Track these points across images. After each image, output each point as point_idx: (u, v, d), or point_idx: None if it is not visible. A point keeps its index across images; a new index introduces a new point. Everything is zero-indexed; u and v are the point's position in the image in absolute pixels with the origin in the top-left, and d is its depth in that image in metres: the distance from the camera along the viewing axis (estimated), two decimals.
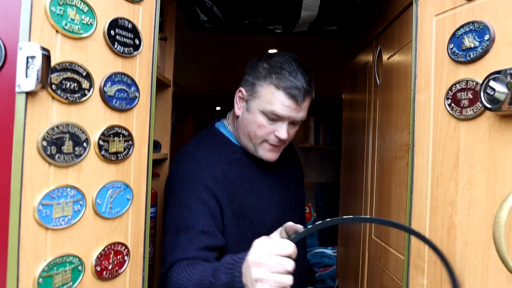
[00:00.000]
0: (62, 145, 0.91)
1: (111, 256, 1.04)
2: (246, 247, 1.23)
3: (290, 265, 1.04)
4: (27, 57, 0.82)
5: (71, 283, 0.95)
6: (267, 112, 1.42)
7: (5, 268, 0.84)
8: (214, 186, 1.42)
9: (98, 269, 1.01)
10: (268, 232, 1.43)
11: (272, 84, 1.41)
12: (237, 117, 1.55)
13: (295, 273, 1.18)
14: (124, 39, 1.05)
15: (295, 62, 1.44)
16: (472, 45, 1.00)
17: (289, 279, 1.05)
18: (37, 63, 0.82)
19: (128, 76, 1.06)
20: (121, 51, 1.04)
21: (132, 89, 1.08)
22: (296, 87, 1.39)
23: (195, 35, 2.44)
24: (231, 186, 1.46)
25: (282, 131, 1.43)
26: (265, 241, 1.09)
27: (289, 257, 1.06)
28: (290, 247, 1.06)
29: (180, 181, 1.43)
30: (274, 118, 1.43)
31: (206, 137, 1.61)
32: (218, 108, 7.03)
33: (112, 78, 1.02)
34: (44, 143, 0.87)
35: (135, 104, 1.09)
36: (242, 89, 1.53)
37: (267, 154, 1.50)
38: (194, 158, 1.47)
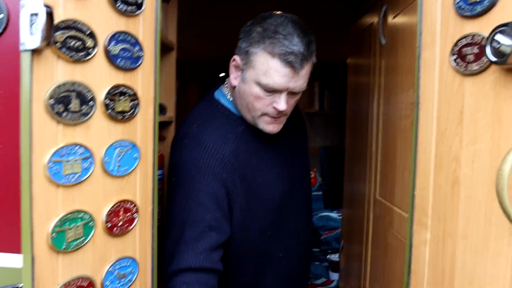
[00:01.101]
0: (69, 103, 0.92)
1: (121, 213, 1.07)
2: (256, 227, 1.39)
3: None
4: (31, 14, 0.82)
5: (83, 237, 0.98)
6: (264, 85, 1.30)
7: (19, 224, 0.87)
8: (223, 172, 1.36)
9: (109, 225, 1.04)
10: (277, 207, 1.47)
11: (265, 51, 1.28)
12: (234, 87, 1.44)
13: (299, 242, 1.24)
14: None
15: (291, 23, 1.28)
16: None
17: None
18: (41, 20, 0.82)
19: (132, 35, 1.06)
20: (124, 9, 1.03)
21: (136, 48, 1.08)
22: (292, 52, 1.25)
23: None
24: (240, 166, 1.40)
25: (281, 103, 1.32)
26: None
27: None
28: None
29: (187, 170, 1.37)
30: (271, 90, 1.32)
31: (207, 112, 1.50)
32: (222, 74, 6.99)
33: (115, 37, 1.02)
34: (51, 101, 0.88)
35: (140, 64, 1.09)
36: (236, 57, 1.40)
37: (268, 126, 1.40)
38: (200, 143, 1.38)
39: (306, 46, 1.27)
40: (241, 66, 1.37)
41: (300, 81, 1.32)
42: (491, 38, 0.92)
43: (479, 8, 0.99)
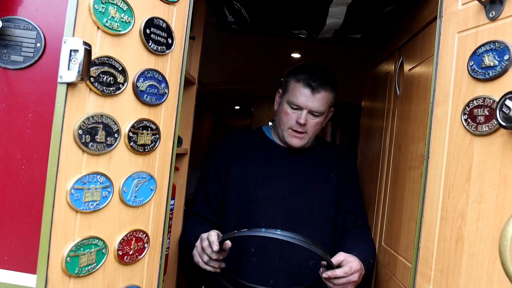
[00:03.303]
0: (96, 134, 0.97)
1: (133, 242, 1.10)
2: (238, 209, 1.80)
3: (208, 251, 1.52)
4: (70, 51, 0.89)
5: (95, 264, 1.02)
6: (291, 102, 1.78)
7: (37, 245, 0.91)
8: (226, 156, 1.87)
9: (120, 253, 1.07)
10: (260, 205, 1.78)
11: (295, 78, 1.80)
12: (275, 113, 1.93)
13: (285, 256, 1.72)
14: (158, 37, 1.11)
15: (317, 66, 1.83)
16: (492, 64, 1.04)
17: (205, 258, 1.55)
18: (79, 56, 0.88)
19: (160, 73, 1.12)
20: (155, 49, 1.10)
21: (163, 85, 1.14)
22: (311, 78, 1.76)
23: (220, 34, 2.49)
24: (240, 158, 1.86)
25: (302, 118, 1.76)
26: (203, 239, 1.56)
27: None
28: (207, 243, 1.52)
29: (210, 149, 2.00)
30: (295, 107, 1.77)
31: (249, 130, 2.12)
32: (237, 107, 7.08)
33: (144, 74, 1.08)
34: (80, 131, 0.93)
35: (164, 100, 1.15)
36: (280, 90, 1.92)
37: (292, 139, 1.82)
38: (225, 136, 2.04)
39: (323, 78, 1.78)
40: (281, 94, 1.88)
41: (316, 103, 1.77)
42: (501, 103, 0.96)
43: (491, 73, 1.04)
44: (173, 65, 1.18)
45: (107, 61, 0.98)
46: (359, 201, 1.98)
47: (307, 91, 1.75)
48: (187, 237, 1.77)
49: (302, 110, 1.77)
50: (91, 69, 0.95)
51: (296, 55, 3.45)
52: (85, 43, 0.89)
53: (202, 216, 1.85)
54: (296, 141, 1.83)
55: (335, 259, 1.57)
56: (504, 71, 1.01)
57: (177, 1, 1.16)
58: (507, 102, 0.95)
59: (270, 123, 2.01)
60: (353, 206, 1.94)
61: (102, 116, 0.98)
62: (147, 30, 1.07)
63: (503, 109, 0.95)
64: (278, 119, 1.87)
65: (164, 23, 1.13)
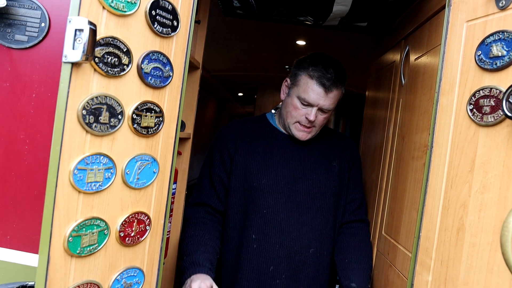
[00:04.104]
0: (100, 115, 0.97)
1: (134, 224, 1.11)
2: (241, 196, 1.81)
3: None
4: (75, 30, 0.88)
5: (96, 244, 1.02)
6: (302, 98, 1.74)
7: (39, 225, 0.91)
8: (230, 143, 1.87)
9: (122, 234, 1.08)
10: (262, 192, 1.78)
11: (308, 74, 1.74)
12: (278, 108, 1.89)
13: (285, 241, 1.74)
14: (164, 19, 1.10)
15: (330, 60, 1.77)
16: (500, 54, 1.03)
17: None
18: (84, 36, 0.87)
19: (164, 56, 1.12)
20: (160, 31, 1.09)
21: (167, 68, 1.13)
22: (325, 77, 1.70)
23: (225, 19, 2.48)
24: (244, 145, 1.86)
25: (312, 115, 1.75)
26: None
27: None
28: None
29: (214, 138, 1.96)
30: (306, 104, 1.75)
31: (252, 117, 2.08)
32: (240, 94, 7.07)
33: (149, 56, 1.07)
34: (84, 112, 0.93)
35: (168, 83, 1.14)
36: (287, 79, 1.87)
37: (299, 133, 1.82)
38: (229, 123, 2.00)
39: (336, 76, 1.73)
40: (289, 85, 1.84)
41: (328, 101, 1.75)
42: (508, 94, 0.95)
43: (499, 63, 1.03)
44: (178, 48, 1.17)
45: (112, 42, 0.98)
46: (360, 192, 1.98)
47: (320, 90, 1.72)
48: (187, 249, 1.70)
49: (312, 107, 1.75)
50: (96, 49, 0.94)
51: (301, 43, 3.43)
52: (90, 23, 0.88)
53: (209, 205, 1.83)
54: (303, 135, 1.82)
55: None
56: None
57: None
58: None
59: (273, 111, 1.98)
60: (353, 197, 1.95)
61: (106, 97, 0.98)
62: (153, 11, 1.06)
63: (510, 100, 0.95)
64: (285, 111, 1.84)
65: (170, 5, 1.11)
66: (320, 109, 1.77)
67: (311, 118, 1.74)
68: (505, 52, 1.01)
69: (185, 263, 1.63)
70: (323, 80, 1.70)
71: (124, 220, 1.08)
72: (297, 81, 1.78)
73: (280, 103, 1.96)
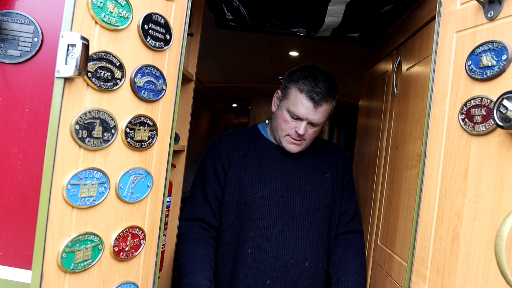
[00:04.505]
0: (93, 130, 0.97)
1: (129, 238, 1.10)
2: (235, 210, 1.79)
3: None
4: (68, 45, 0.88)
5: (90, 260, 1.01)
6: (291, 112, 1.72)
7: (32, 241, 0.90)
8: (223, 156, 1.84)
9: (116, 249, 1.07)
10: (257, 206, 1.76)
11: (297, 88, 1.72)
12: (271, 118, 1.92)
13: (281, 255, 1.72)
14: (156, 33, 1.10)
15: (321, 73, 1.74)
16: (490, 64, 1.04)
17: None
18: (77, 51, 0.87)
19: (157, 69, 1.12)
20: (153, 44, 1.10)
21: (160, 81, 1.13)
22: (315, 91, 1.68)
23: (218, 31, 2.49)
24: (238, 158, 1.84)
25: (301, 128, 1.73)
26: None
27: None
28: None
29: (206, 150, 1.93)
30: (296, 117, 1.72)
31: (244, 128, 2.05)
32: (234, 105, 7.08)
33: (142, 70, 1.08)
34: (77, 126, 0.93)
35: (162, 96, 1.15)
36: (278, 91, 1.85)
37: (289, 146, 1.80)
38: (221, 135, 1.97)
39: (327, 91, 1.71)
40: (280, 97, 1.81)
41: (317, 115, 1.72)
42: (498, 103, 0.96)
43: (489, 73, 1.04)
44: (171, 62, 1.17)
45: (104, 56, 0.98)
46: (354, 202, 1.98)
47: (309, 104, 1.69)
48: (185, 268, 1.68)
49: (302, 121, 1.72)
50: (89, 64, 0.94)
51: (294, 53, 3.45)
52: (82, 38, 0.88)
53: (203, 220, 1.80)
54: (293, 148, 1.80)
55: None
56: (502, 71, 1.01)
57: None
58: (505, 102, 0.95)
59: (267, 121, 1.98)
60: (347, 207, 1.94)
61: (99, 111, 0.98)
62: (145, 25, 1.07)
63: (500, 109, 0.96)
64: (275, 124, 1.82)
65: (163, 19, 1.12)
66: (310, 123, 1.74)
67: (300, 132, 1.72)
68: (494, 62, 1.02)
69: (184, 285, 1.60)
70: (312, 94, 1.68)
71: (118, 235, 1.07)
72: (287, 94, 1.76)
73: (269, 119, 1.97)
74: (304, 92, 1.69)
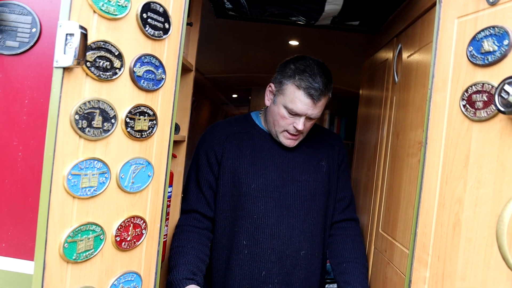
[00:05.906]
0: (92, 120, 0.96)
1: (130, 228, 1.10)
2: (229, 201, 1.78)
3: None
4: (66, 34, 0.88)
5: (92, 250, 1.02)
6: (289, 109, 1.67)
7: (34, 232, 0.90)
8: (216, 146, 1.81)
9: (118, 239, 1.07)
10: (252, 197, 1.75)
11: (294, 84, 1.66)
12: (266, 107, 1.85)
13: (277, 245, 1.72)
14: (155, 22, 1.10)
15: (316, 66, 1.68)
16: (491, 49, 1.03)
17: None
18: (75, 40, 0.87)
19: (157, 58, 1.11)
20: (152, 34, 1.09)
21: (159, 71, 1.13)
22: (313, 87, 1.63)
23: (217, 21, 2.48)
24: (231, 148, 1.81)
25: (300, 124, 1.69)
26: None
27: None
28: None
29: (200, 140, 1.89)
30: (294, 114, 1.68)
31: (237, 117, 1.98)
32: (234, 96, 7.07)
33: (141, 59, 1.07)
34: (77, 116, 0.93)
35: (161, 86, 1.14)
36: (272, 84, 1.78)
37: (287, 141, 1.78)
38: (213, 125, 1.93)
39: (324, 85, 1.66)
40: (274, 92, 1.75)
41: (316, 110, 1.69)
42: (500, 88, 0.96)
43: (490, 58, 1.03)
44: (170, 51, 1.17)
45: (103, 46, 0.97)
46: (349, 189, 1.98)
47: (308, 100, 1.64)
48: (170, 263, 1.70)
49: (300, 117, 1.69)
50: (87, 53, 0.94)
51: (294, 43, 3.43)
52: (81, 27, 0.88)
53: (197, 211, 1.79)
54: (291, 143, 1.78)
55: None
56: (503, 56, 1.00)
57: None
58: (506, 87, 0.94)
59: (261, 110, 1.94)
60: (343, 195, 1.94)
61: (98, 101, 0.98)
62: (144, 14, 1.06)
63: (502, 94, 0.95)
64: (272, 119, 1.77)
65: (161, 8, 1.11)
66: (308, 117, 1.71)
67: (299, 127, 1.69)
68: (496, 47, 1.02)
69: (168, 279, 1.62)
70: (311, 90, 1.63)
71: (120, 225, 1.07)
72: (282, 89, 1.70)
73: (264, 108, 1.93)
74: (302, 88, 1.64)
